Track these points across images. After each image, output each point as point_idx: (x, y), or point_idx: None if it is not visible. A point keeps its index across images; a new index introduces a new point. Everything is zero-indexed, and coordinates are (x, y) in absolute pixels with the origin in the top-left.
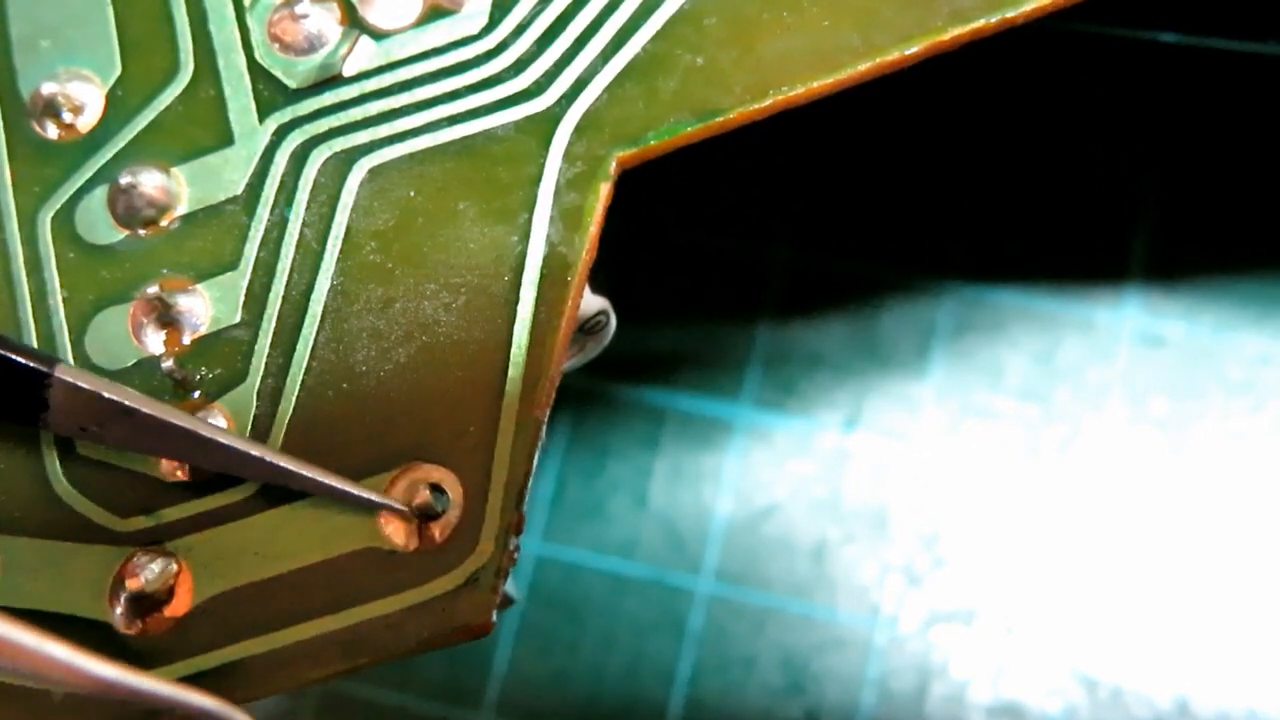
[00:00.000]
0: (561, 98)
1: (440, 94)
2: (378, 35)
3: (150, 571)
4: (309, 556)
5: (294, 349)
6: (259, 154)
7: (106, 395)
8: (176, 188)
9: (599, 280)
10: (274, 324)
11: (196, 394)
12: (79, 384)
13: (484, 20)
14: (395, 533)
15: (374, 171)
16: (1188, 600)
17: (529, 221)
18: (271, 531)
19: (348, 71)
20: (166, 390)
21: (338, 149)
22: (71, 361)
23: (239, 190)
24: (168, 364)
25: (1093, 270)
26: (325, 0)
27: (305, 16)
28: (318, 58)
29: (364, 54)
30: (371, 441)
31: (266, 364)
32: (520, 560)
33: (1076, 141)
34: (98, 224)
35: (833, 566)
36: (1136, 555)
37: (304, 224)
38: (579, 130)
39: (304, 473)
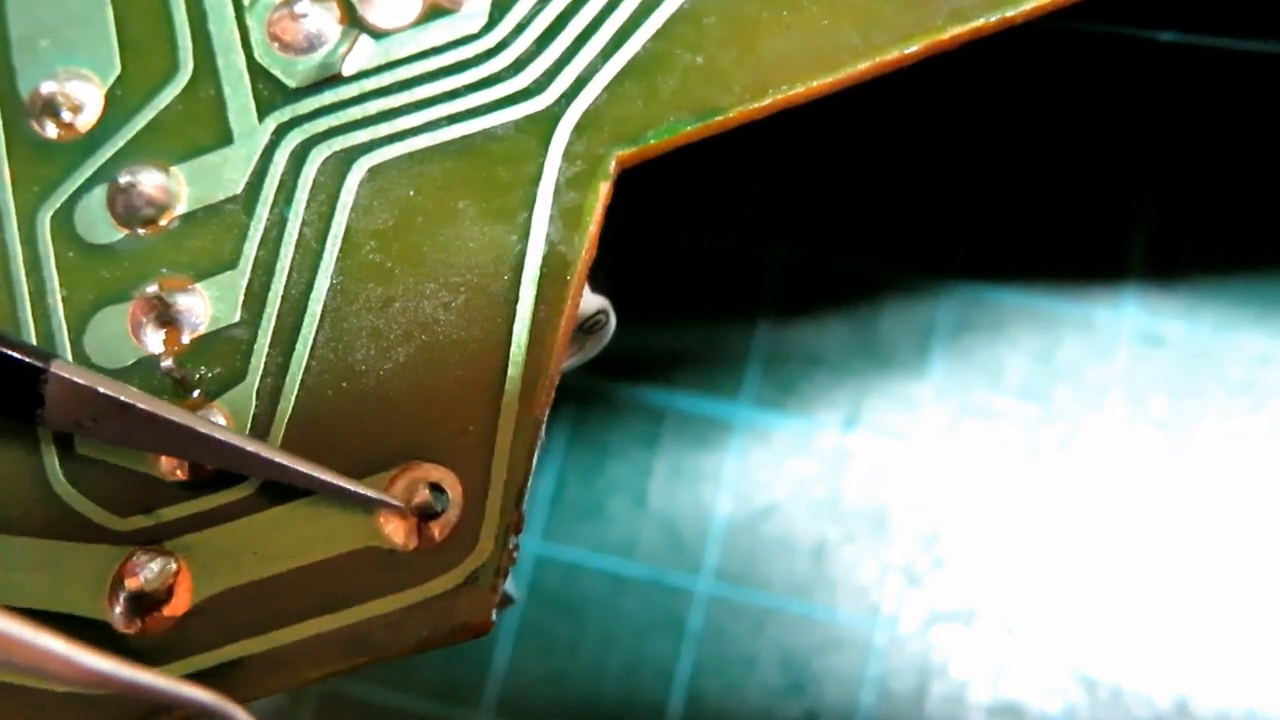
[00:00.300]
0: (561, 97)
1: (440, 93)
2: (377, 34)
3: (149, 571)
4: (308, 556)
5: (293, 348)
6: (258, 153)
7: (102, 390)
8: (176, 187)
9: (598, 279)
10: (273, 323)
11: (196, 393)
12: (75, 379)
13: (483, 19)
14: (395, 532)
15: (373, 170)
16: (1188, 600)
17: (528, 220)
18: (271, 531)
19: (347, 71)
20: (166, 389)
21: (337, 148)
22: (71, 360)
23: (238, 189)
24: (167, 363)
25: (1092, 269)
26: None
27: (304, 16)
28: (317, 57)
29: (363, 53)
30: (371, 440)
31: (266, 363)
32: (520, 560)
33: (1075, 140)
34: (97, 223)
35: (832, 566)
36: (1136, 555)
37: (303, 223)
38: (578, 129)
39: (302, 469)
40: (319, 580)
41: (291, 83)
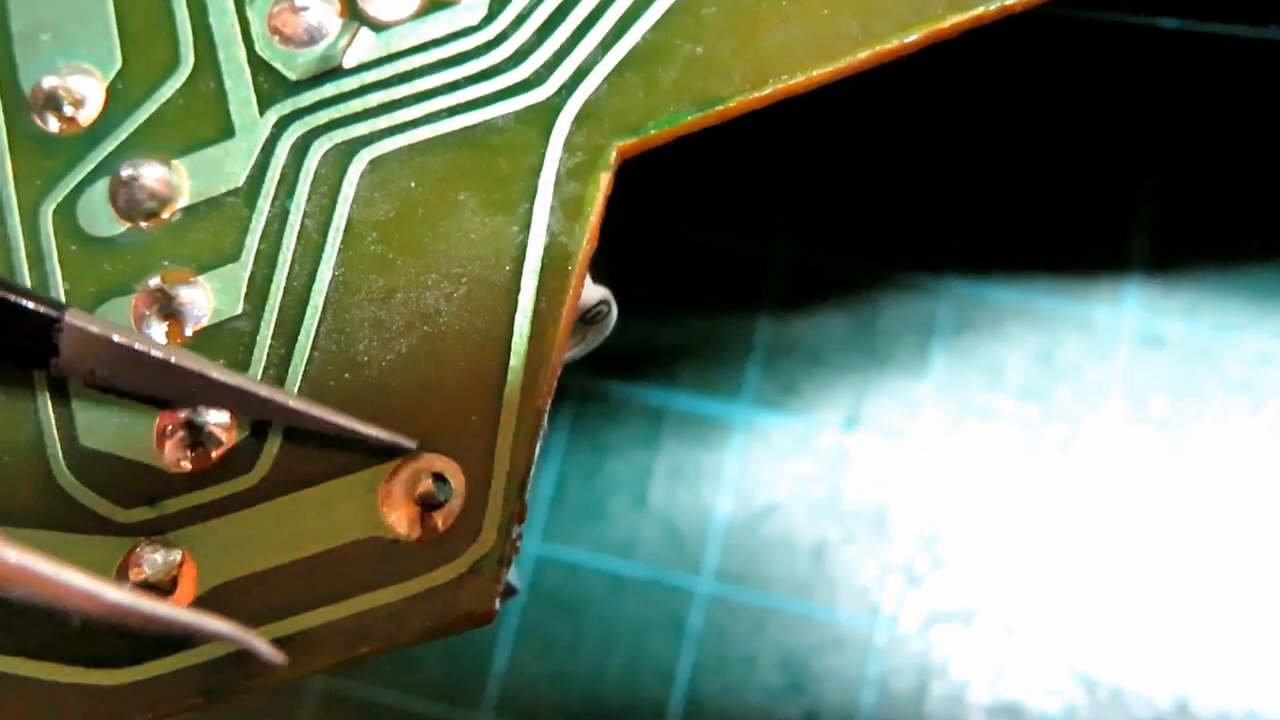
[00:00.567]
0: (561, 88)
1: (440, 85)
2: (377, 27)
3: (153, 562)
4: (312, 546)
5: (296, 340)
6: (260, 146)
7: (116, 339)
8: (178, 180)
9: (600, 270)
10: (275, 315)
11: None
12: (89, 328)
13: (483, 11)
14: (398, 522)
15: (374, 163)
16: (1188, 600)
17: (529, 211)
18: (274, 522)
19: (348, 63)
20: None
21: (338, 140)
22: None
23: (240, 182)
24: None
25: (1092, 265)
26: None
27: (305, 9)
28: (318, 50)
29: (364, 46)
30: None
31: (269, 355)
32: (520, 560)
33: (1075, 130)
34: (99, 217)
35: (832, 566)
36: (1136, 555)
37: (305, 215)
38: (579, 120)
39: (312, 412)
40: (322, 571)
41: (292, 75)
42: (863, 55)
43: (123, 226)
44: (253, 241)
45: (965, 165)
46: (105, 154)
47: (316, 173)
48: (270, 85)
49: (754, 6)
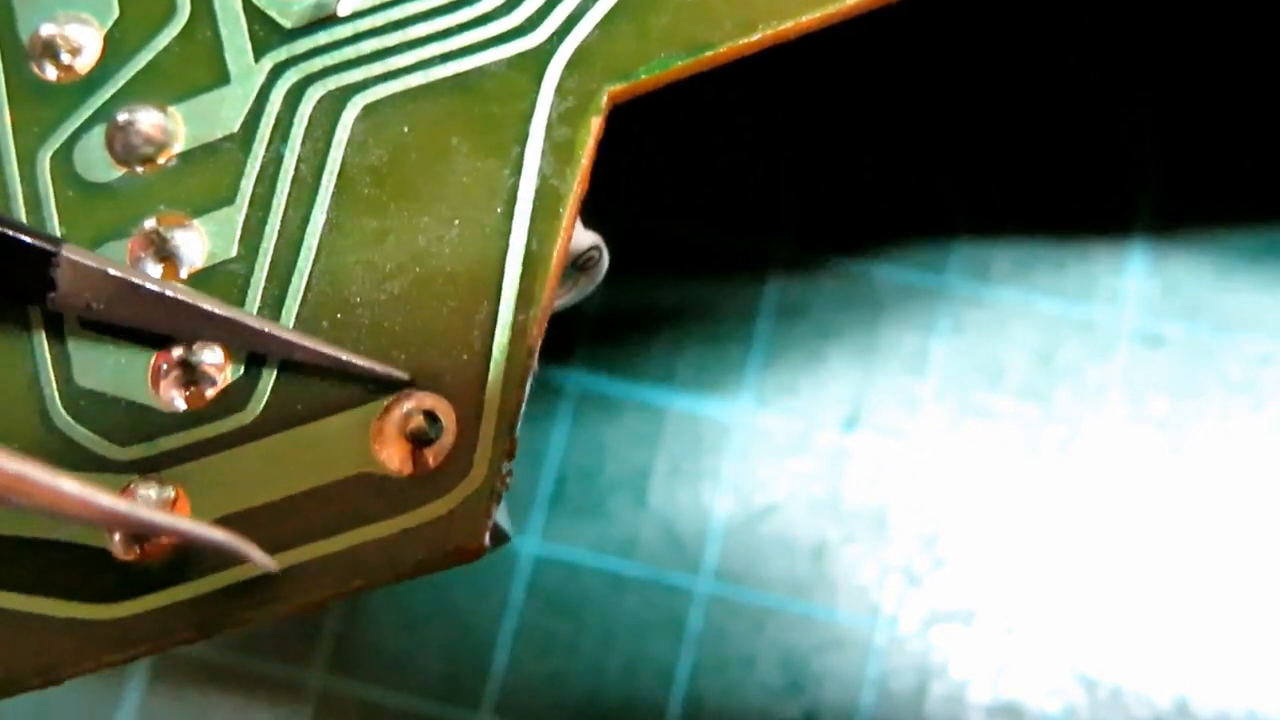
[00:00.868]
0: (553, 34)
1: (433, 32)
2: None
3: (147, 498)
4: (305, 483)
5: (289, 281)
6: (255, 93)
7: (112, 271)
8: (173, 126)
9: (591, 218)
10: (270, 257)
11: None
12: (86, 261)
13: None
14: (389, 459)
15: (368, 109)
16: (1188, 600)
17: (521, 155)
18: (268, 459)
19: (342, 11)
20: None
21: (332, 87)
22: None
23: (235, 128)
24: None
25: (1092, 267)
26: None
27: None
28: None
29: None
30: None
31: (263, 295)
32: (519, 560)
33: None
34: (96, 163)
35: (832, 566)
36: (1136, 555)
37: (299, 160)
38: (570, 66)
39: (306, 344)
40: (314, 506)
41: (287, 23)
42: (851, 1)
43: (119, 172)
44: (247, 186)
45: (965, 165)
46: (102, 101)
47: (311, 119)
48: (265, 33)
49: None
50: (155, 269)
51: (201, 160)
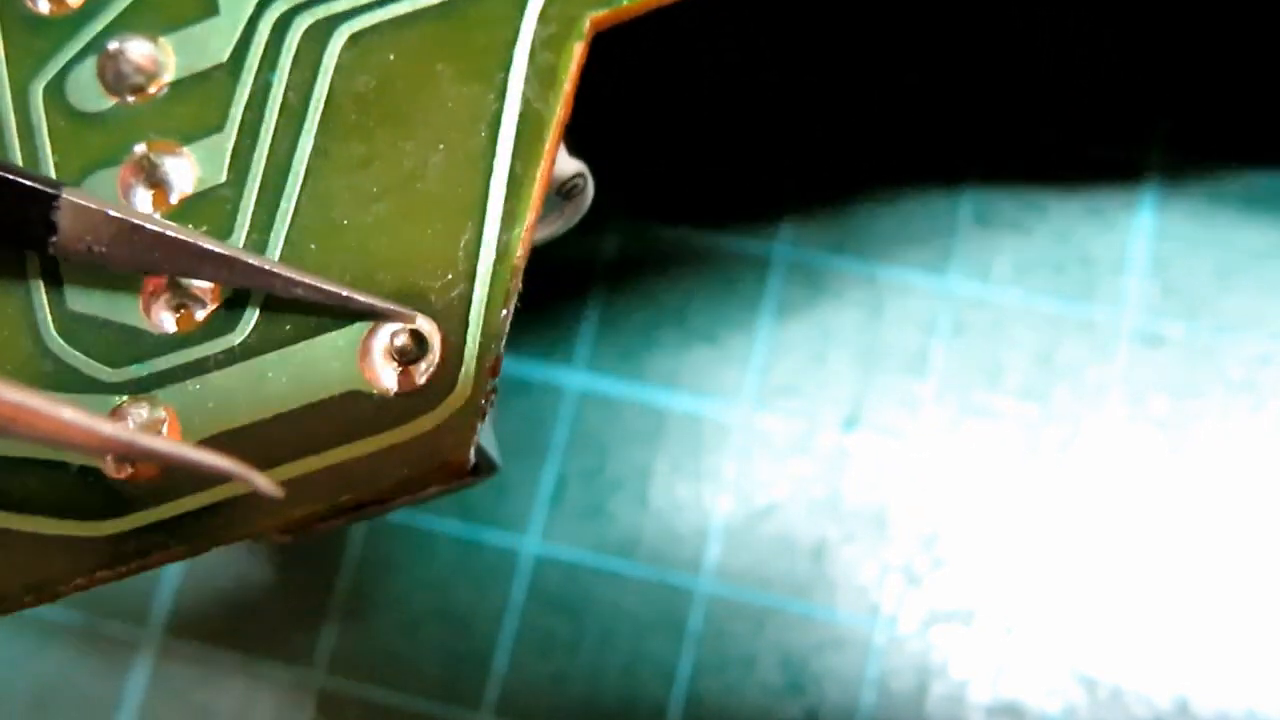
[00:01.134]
0: None
1: None
2: None
3: (138, 416)
4: (293, 402)
5: (277, 206)
6: (243, 23)
7: (113, 213)
8: (164, 57)
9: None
10: (258, 183)
11: None
12: (87, 204)
13: None
14: (377, 377)
15: (354, 37)
16: (1188, 600)
17: (505, 81)
18: (257, 378)
19: None
20: None
21: (319, 16)
22: None
23: (224, 58)
24: (155, 217)
25: (1092, 268)
26: None
27: None
28: None
29: None
30: (353, 291)
31: (251, 220)
32: (520, 560)
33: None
34: (88, 93)
35: (832, 566)
36: (1136, 555)
37: (287, 88)
38: None
39: (304, 279)
40: (303, 424)
41: None
42: None
43: (110, 102)
44: (236, 114)
45: (964, 165)
46: (94, 33)
47: (298, 48)
48: None
49: None
50: (146, 195)
51: (191, 89)
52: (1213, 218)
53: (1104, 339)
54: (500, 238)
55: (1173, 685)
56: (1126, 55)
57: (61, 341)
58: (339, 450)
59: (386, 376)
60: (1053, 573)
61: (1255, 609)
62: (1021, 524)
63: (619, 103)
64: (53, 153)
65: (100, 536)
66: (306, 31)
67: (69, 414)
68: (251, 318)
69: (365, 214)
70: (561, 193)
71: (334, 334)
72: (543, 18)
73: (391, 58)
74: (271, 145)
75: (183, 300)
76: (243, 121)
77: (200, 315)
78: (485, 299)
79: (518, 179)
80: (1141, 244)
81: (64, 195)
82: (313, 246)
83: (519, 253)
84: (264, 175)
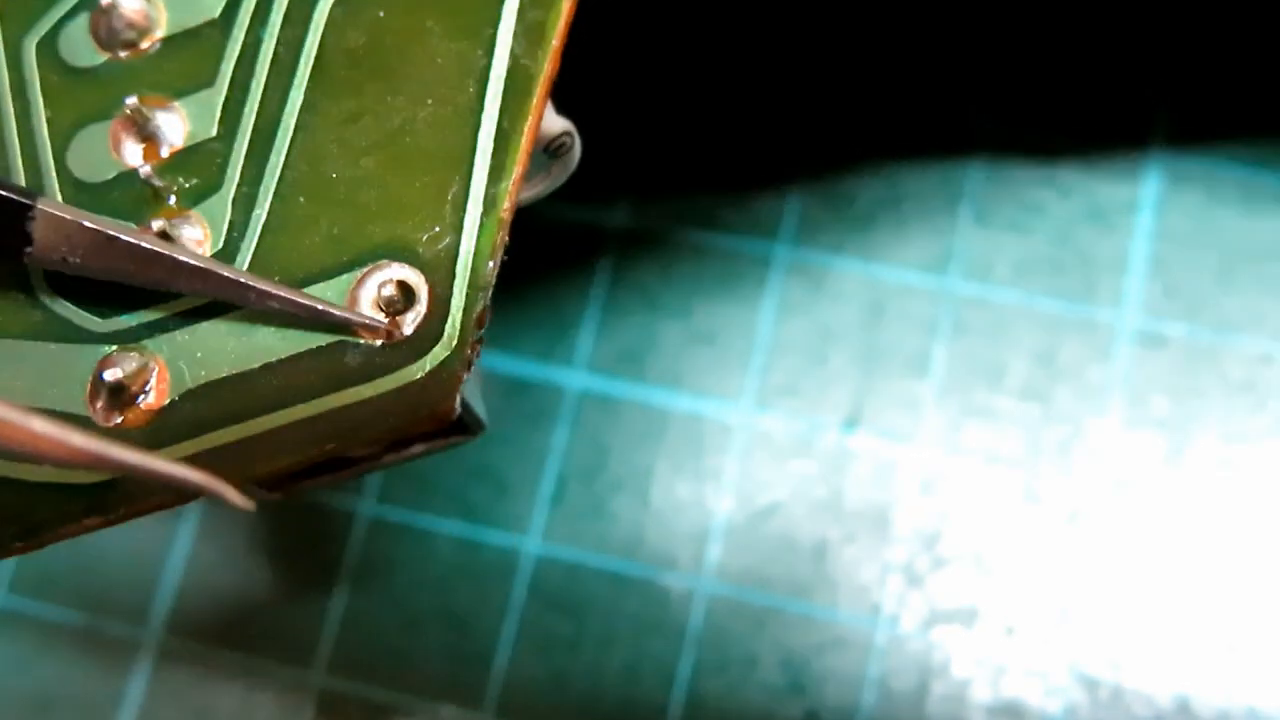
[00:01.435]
0: None
1: None
2: None
3: (128, 364)
4: (281, 351)
5: (267, 159)
6: None
7: (88, 225)
8: (156, 12)
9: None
10: (249, 137)
11: (173, 200)
12: (62, 215)
13: None
14: (364, 328)
15: None
16: (1188, 600)
17: (493, 37)
18: (247, 329)
19: None
20: (146, 199)
21: None
22: (55, 176)
23: (216, 14)
24: (145, 169)
25: (1092, 268)
26: None
27: None
28: None
29: None
30: (341, 242)
31: (241, 173)
32: (521, 560)
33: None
34: (80, 49)
35: (833, 566)
36: (1136, 555)
37: (278, 44)
38: None
39: (280, 293)
40: (291, 374)
41: None
42: None
43: (103, 57)
44: (227, 69)
45: (963, 166)
46: None
47: (289, 4)
48: None
49: None
50: (137, 148)
51: (183, 45)
52: (1213, 218)
53: (1104, 339)
54: (487, 191)
55: (1173, 685)
56: (1127, 56)
57: (51, 291)
58: (325, 399)
59: (373, 328)
60: (1053, 573)
61: (1255, 609)
62: (1021, 524)
63: (620, 103)
64: (45, 107)
65: (88, 483)
66: None
67: (39, 425)
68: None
69: (354, 168)
70: (549, 151)
71: (322, 285)
72: None
73: (381, 14)
74: (262, 100)
75: None
76: (234, 77)
77: None
78: (472, 251)
79: (505, 134)
80: (1141, 244)
81: (39, 206)
82: (301, 199)
83: (506, 205)
84: (254, 129)
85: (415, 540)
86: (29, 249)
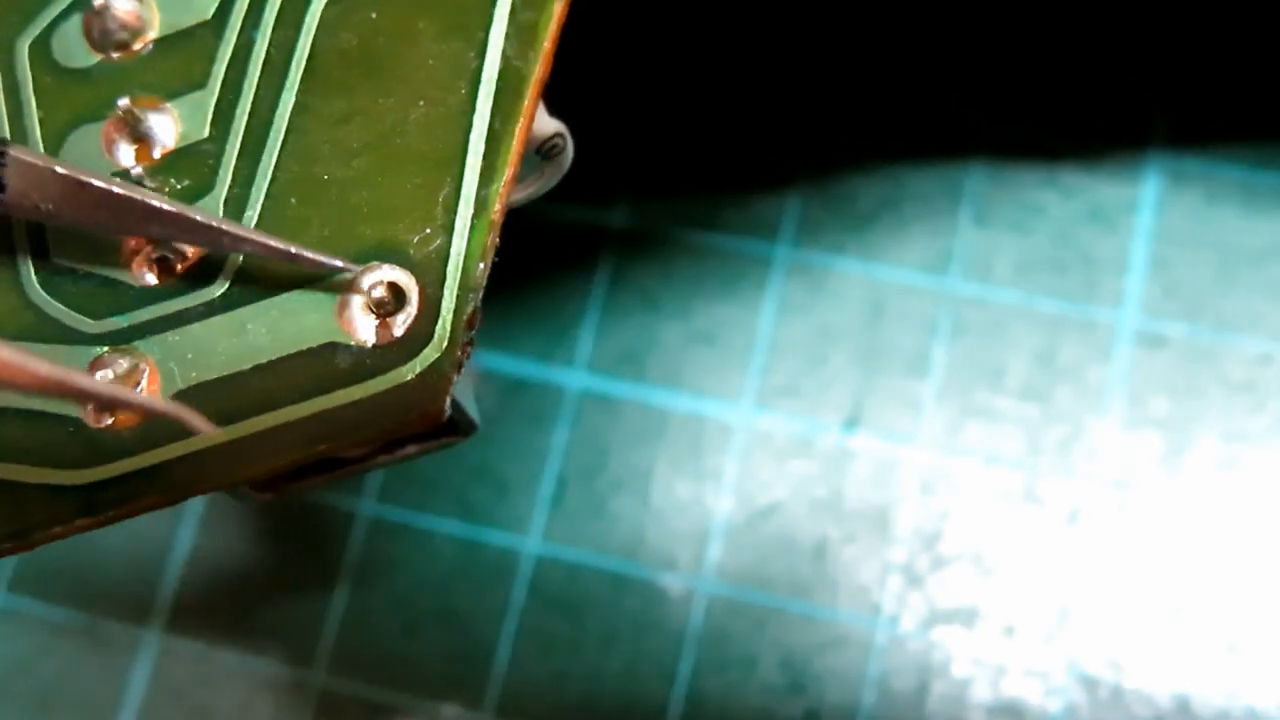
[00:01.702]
0: None
1: None
2: None
3: (118, 367)
4: (272, 353)
5: (259, 160)
6: None
7: (60, 170)
8: (149, 13)
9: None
10: (240, 138)
11: None
12: (33, 161)
13: None
14: (355, 328)
15: None
16: (1188, 600)
17: (485, 38)
18: (237, 330)
19: None
20: None
21: None
22: None
23: (208, 15)
24: (137, 170)
25: (1093, 269)
26: None
27: None
28: None
29: None
30: (333, 243)
31: (233, 175)
32: (521, 560)
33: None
34: (73, 49)
35: (833, 566)
36: (1136, 555)
37: (270, 45)
38: None
39: (251, 236)
40: (281, 375)
41: None
42: None
43: (95, 58)
44: (220, 70)
45: (964, 166)
46: None
47: (281, 5)
48: None
49: None
50: (129, 149)
51: (176, 46)
52: (1213, 218)
53: (1104, 339)
54: (479, 192)
55: (1173, 685)
56: (1127, 57)
57: (44, 293)
58: (316, 400)
59: (364, 328)
60: (1053, 573)
61: (1255, 609)
62: (1021, 524)
63: (620, 103)
64: (38, 108)
65: (78, 484)
66: None
67: (4, 353)
68: (231, 270)
69: (345, 169)
70: (541, 153)
71: (312, 287)
72: None
73: (373, 15)
74: (254, 101)
75: (164, 253)
76: (226, 78)
77: (179, 268)
78: (463, 252)
79: (496, 135)
80: (1141, 244)
81: (10, 152)
82: (293, 200)
83: (497, 207)
84: (246, 131)
85: (415, 540)
86: (1, 196)
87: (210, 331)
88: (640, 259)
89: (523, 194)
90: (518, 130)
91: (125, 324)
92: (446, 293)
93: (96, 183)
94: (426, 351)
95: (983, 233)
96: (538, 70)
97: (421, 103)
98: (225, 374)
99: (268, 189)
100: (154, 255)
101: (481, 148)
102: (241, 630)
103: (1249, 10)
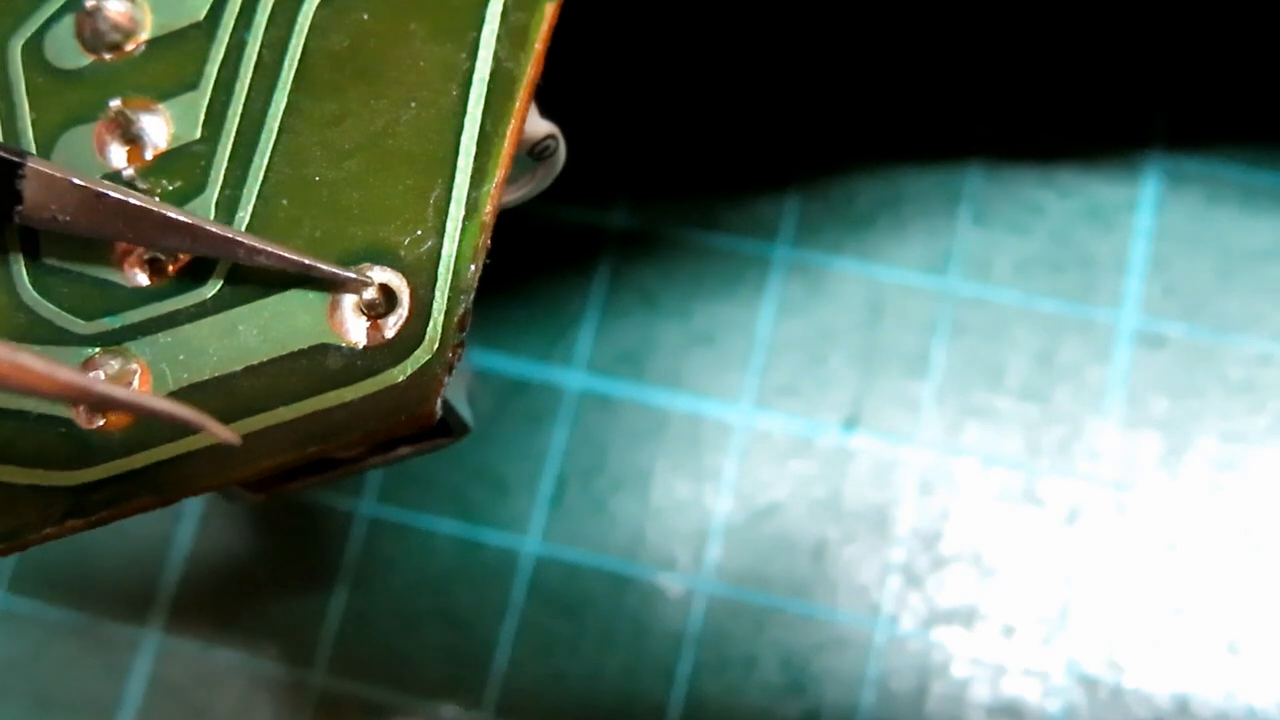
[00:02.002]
0: None
1: None
2: None
3: (110, 368)
4: (263, 354)
5: (251, 162)
6: None
7: (78, 182)
8: (141, 15)
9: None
10: (232, 139)
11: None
12: (52, 173)
13: None
14: (346, 330)
15: None
16: (1187, 600)
17: (476, 40)
18: (228, 331)
19: None
20: None
21: None
22: None
23: (201, 16)
24: (128, 172)
25: (1093, 268)
26: None
27: None
28: None
29: None
30: (324, 245)
31: (225, 176)
32: (520, 560)
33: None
34: (65, 50)
35: (833, 566)
36: (1136, 555)
37: (262, 47)
38: None
39: (267, 248)
40: (272, 376)
41: None
42: None
43: (88, 59)
44: (212, 71)
45: (962, 167)
46: None
47: (273, 7)
48: None
49: None
50: (121, 150)
51: (168, 47)
52: (1213, 218)
53: (1104, 339)
54: (470, 194)
55: (1172, 685)
56: (1126, 57)
57: (35, 294)
58: (307, 402)
59: (355, 330)
60: (1052, 573)
61: (1255, 609)
62: (1021, 524)
63: (619, 103)
64: (30, 109)
65: (70, 485)
66: None
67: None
68: (223, 272)
69: (337, 170)
70: (533, 154)
71: (304, 288)
72: None
73: (365, 17)
74: (246, 103)
75: (155, 254)
76: (218, 79)
77: (172, 269)
78: (454, 254)
79: (488, 137)
80: (1141, 244)
81: (29, 164)
82: (285, 202)
83: (488, 209)
84: (238, 132)
85: (415, 540)
86: (19, 207)
87: (201, 332)
88: (639, 259)
89: (514, 196)
90: (509, 132)
91: (117, 325)
92: (438, 294)
93: (113, 194)
94: (417, 353)
95: (982, 233)
96: (529, 72)
97: (413, 104)
98: (216, 375)
99: (259, 190)
100: (146, 256)
101: (473, 149)
102: (240, 630)
103: (1249, 10)
